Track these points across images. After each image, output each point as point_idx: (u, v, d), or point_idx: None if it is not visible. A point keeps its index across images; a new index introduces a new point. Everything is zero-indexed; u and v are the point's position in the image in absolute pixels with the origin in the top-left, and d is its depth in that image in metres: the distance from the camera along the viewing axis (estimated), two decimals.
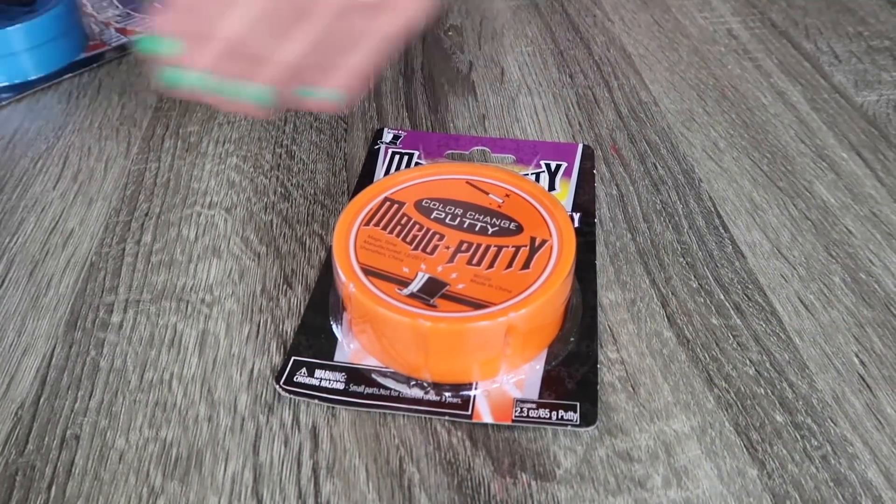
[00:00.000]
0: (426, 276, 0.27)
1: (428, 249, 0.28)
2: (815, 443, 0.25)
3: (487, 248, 0.28)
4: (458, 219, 0.30)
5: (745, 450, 0.25)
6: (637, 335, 0.29)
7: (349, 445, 0.25)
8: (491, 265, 0.28)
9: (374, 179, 0.36)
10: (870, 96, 0.42)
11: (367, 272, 0.27)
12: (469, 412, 0.26)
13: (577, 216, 0.34)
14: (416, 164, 0.37)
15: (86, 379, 0.28)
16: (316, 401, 0.27)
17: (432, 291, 0.27)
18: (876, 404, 0.27)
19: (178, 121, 0.41)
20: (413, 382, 0.27)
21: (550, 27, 0.49)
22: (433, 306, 0.26)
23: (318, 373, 0.28)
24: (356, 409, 0.27)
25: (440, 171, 0.32)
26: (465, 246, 0.29)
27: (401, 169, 0.36)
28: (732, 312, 0.30)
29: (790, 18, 0.50)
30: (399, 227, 0.29)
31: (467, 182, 0.32)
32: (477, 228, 0.29)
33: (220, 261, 0.33)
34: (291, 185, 0.37)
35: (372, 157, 0.38)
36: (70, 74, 0.45)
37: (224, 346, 0.29)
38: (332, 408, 0.27)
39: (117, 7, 0.52)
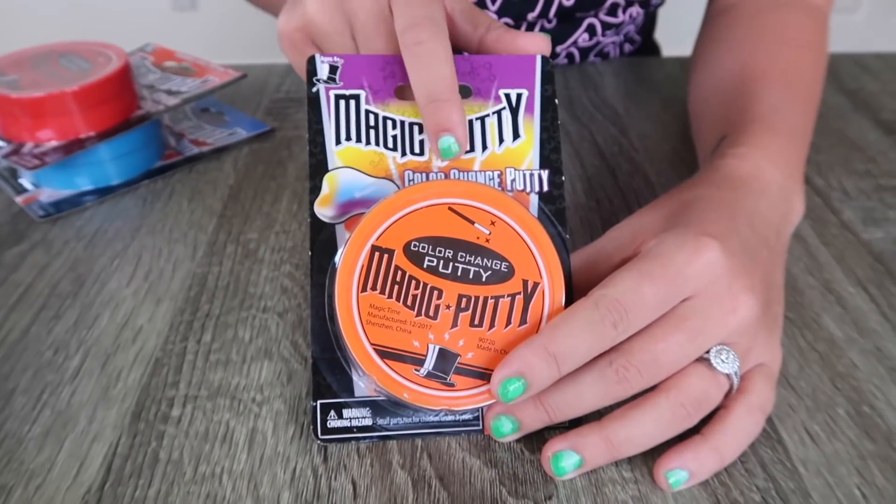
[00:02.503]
0: (437, 350, 0.31)
1: (430, 313, 0.31)
2: None
3: (486, 301, 0.31)
4: (451, 265, 0.31)
5: None
6: (649, 455, 0.31)
7: None
8: (492, 324, 0.31)
9: (325, 145, 0.33)
10: (877, 233, 0.45)
11: (382, 354, 0.30)
12: (480, 426, 0.32)
13: (545, 175, 0.34)
14: (367, 111, 0.34)
15: (146, 468, 0.31)
16: (352, 442, 0.31)
17: (446, 368, 0.30)
18: None
19: (240, 228, 0.46)
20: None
21: (580, 153, 0.54)
22: (451, 385, 0.30)
23: (345, 412, 0.31)
24: (387, 441, 0.32)
25: (419, 196, 0.32)
26: (464, 302, 0.31)
27: (350, 121, 0.33)
28: None
29: None
30: (396, 288, 0.31)
31: (450, 209, 0.32)
32: (471, 276, 0.31)
33: (271, 362, 0.36)
34: None
35: (314, 107, 0.34)
36: (147, 181, 0.51)
37: (271, 444, 0.32)
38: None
39: (191, 119, 0.58)
